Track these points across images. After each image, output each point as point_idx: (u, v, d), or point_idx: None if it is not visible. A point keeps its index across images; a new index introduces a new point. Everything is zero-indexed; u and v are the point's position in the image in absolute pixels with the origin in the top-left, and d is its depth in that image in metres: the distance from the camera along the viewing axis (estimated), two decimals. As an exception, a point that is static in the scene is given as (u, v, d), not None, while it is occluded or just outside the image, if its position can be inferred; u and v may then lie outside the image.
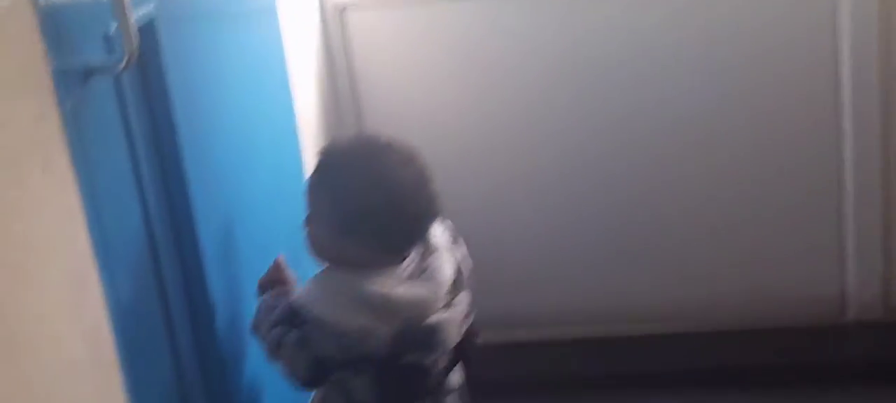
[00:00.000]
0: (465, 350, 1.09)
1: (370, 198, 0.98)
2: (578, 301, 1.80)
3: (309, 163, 1.37)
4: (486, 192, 1.77)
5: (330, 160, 1.07)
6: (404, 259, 1.03)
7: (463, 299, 1.06)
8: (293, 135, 1.55)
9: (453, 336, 1.03)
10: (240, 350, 1.23)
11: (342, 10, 1.73)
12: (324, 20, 1.74)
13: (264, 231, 1.30)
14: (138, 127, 0.99)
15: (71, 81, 0.81)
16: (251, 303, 1.18)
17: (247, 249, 1.23)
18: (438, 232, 1.07)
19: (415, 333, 0.99)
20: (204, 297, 1.13)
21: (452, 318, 1.02)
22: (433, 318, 1.00)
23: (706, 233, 1.72)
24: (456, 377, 1.12)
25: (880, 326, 1.71)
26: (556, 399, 1.71)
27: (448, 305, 1.03)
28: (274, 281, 1.15)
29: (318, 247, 1.07)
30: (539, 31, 1.66)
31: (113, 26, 0.85)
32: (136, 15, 0.86)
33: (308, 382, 1.07)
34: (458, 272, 1.06)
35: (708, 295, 1.75)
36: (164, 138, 1.05)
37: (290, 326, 1.02)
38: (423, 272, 1.03)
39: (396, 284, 1.00)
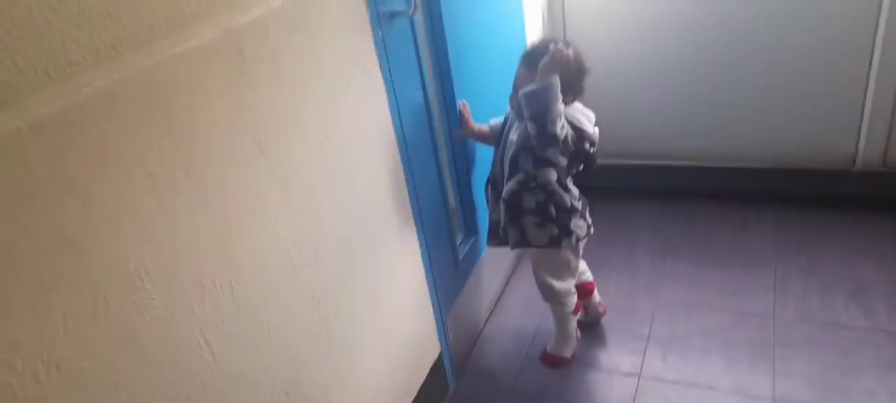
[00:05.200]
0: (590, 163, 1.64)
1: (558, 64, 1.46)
2: (672, 141, 2.40)
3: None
4: (634, 70, 2.32)
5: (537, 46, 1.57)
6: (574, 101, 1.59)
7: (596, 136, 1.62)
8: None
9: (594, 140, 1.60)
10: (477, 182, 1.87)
11: None
12: None
13: (493, 109, 1.82)
14: (423, 48, 1.54)
15: (382, 20, 1.34)
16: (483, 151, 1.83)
17: (482, 120, 1.79)
18: (590, 114, 1.63)
19: (582, 133, 1.56)
20: (462, 148, 1.78)
21: (596, 134, 1.61)
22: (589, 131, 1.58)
23: (768, 93, 2.19)
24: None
25: (881, 174, 2.19)
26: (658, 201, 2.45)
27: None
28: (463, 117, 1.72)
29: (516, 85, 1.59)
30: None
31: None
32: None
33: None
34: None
35: (760, 140, 2.27)
36: (440, 54, 1.62)
37: None
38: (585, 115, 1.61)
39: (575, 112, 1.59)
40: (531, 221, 1.61)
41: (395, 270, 1.49)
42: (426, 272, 1.62)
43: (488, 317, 2.04)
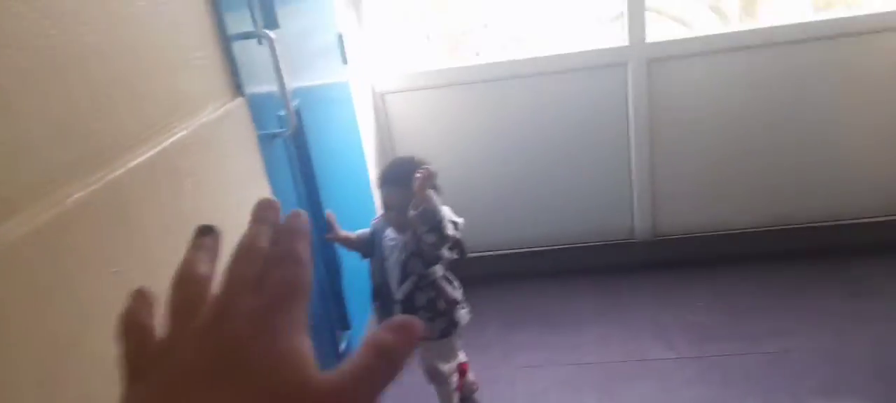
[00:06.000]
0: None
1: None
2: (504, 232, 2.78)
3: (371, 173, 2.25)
4: (475, 188, 2.67)
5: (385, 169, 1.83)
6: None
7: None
8: (363, 160, 2.42)
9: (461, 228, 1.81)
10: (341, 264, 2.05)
11: (383, 95, 2.62)
12: (374, 99, 2.62)
13: (348, 208, 2.05)
14: (295, 160, 1.75)
15: (264, 140, 1.54)
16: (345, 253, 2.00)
17: (341, 215, 1.99)
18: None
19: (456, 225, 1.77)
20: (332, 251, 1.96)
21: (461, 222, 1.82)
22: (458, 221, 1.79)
23: (560, 186, 2.71)
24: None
25: (651, 242, 2.75)
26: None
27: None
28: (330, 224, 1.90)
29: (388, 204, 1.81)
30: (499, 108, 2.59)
31: (283, 111, 1.60)
32: (293, 105, 1.62)
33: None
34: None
35: (561, 224, 2.75)
36: (305, 166, 1.83)
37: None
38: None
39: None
40: (424, 317, 1.79)
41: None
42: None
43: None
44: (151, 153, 1.06)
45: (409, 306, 1.80)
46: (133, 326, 0.33)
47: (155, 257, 1.03)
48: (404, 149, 2.62)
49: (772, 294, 2.44)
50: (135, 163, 1.01)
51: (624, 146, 2.64)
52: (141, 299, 0.35)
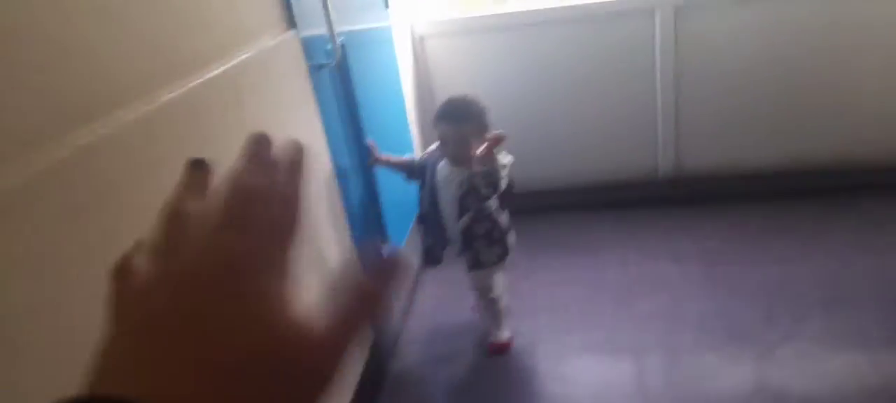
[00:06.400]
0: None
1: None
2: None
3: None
4: (507, 129, 2.88)
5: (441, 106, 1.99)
6: None
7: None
8: (402, 99, 2.64)
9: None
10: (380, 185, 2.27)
11: (422, 38, 2.82)
12: (413, 43, 2.81)
13: (388, 140, 2.31)
14: (340, 89, 1.97)
15: (314, 70, 1.77)
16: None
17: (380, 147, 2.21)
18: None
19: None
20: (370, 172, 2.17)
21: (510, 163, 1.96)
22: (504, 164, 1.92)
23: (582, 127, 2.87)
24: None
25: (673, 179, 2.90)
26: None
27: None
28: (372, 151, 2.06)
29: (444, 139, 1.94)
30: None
31: (329, 46, 1.83)
32: (338, 41, 1.85)
33: None
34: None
35: (580, 163, 2.92)
36: (349, 97, 2.04)
37: None
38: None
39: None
40: (482, 244, 2.00)
41: (332, 261, 1.87)
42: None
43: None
44: (220, 70, 1.31)
45: (468, 236, 2.00)
46: (121, 270, 0.31)
47: (220, 160, 1.29)
48: (440, 91, 2.84)
49: (783, 226, 2.59)
50: (209, 76, 1.26)
51: (650, 90, 2.78)
52: (137, 246, 0.32)
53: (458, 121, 1.92)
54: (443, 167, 2.01)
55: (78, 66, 0.95)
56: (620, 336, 2.12)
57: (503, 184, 1.91)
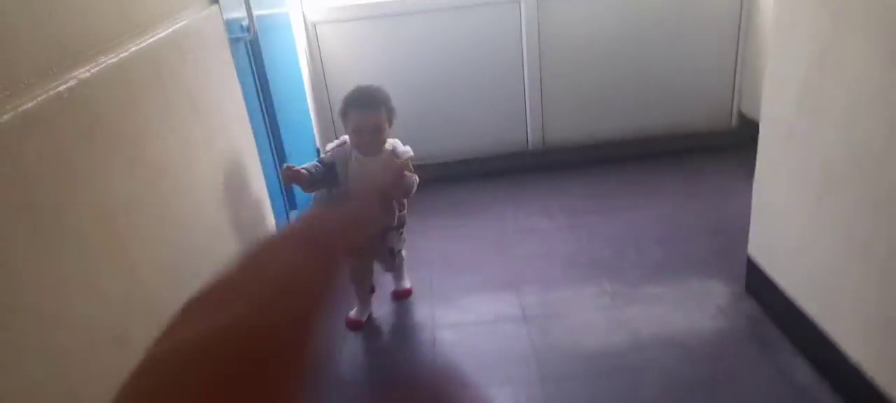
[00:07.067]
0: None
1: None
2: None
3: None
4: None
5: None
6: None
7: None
8: (301, 81, 2.95)
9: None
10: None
11: (315, 24, 3.04)
12: (306, 29, 3.03)
13: (291, 118, 2.55)
14: (253, 63, 2.17)
15: (233, 42, 1.97)
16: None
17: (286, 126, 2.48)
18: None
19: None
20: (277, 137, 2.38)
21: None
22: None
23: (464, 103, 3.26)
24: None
25: (542, 150, 3.32)
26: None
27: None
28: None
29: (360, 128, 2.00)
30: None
31: (246, 22, 2.03)
32: (254, 17, 2.06)
33: None
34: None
35: (468, 138, 3.30)
36: (260, 73, 2.25)
37: None
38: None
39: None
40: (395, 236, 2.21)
41: (255, 210, 2.07)
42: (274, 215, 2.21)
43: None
44: (165, 33, 1.49)
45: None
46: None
47: (168, 108, 1.48)
48: (332, 73, 3.09)
49: (630, 182, 3.10)
50: (154, 38, 1.45)
51: (519, 73, 3.19)
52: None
53: (371, 107, 1.95)
54: (355, 161, 2.02)
55: None
56: (503, 276, 2.48)
57: (415, 184, 1.99)
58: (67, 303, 0.98)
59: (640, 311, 2.19)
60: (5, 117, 0.89)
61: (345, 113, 2.01)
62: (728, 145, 3.27)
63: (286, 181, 1.99)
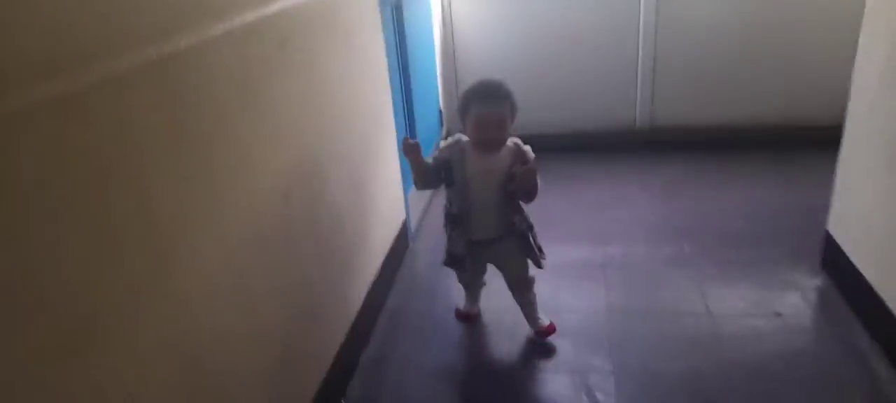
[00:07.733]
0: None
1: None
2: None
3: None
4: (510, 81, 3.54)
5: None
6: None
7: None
8: (432, 46, 3.40)
9: None
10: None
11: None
12: (442, 1, 3.46)
13: (421, 82, 2.98)
14: (395, 27, 2.62)
15: (382, 4, 2.40)
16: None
17: (416, 85, 2.91)
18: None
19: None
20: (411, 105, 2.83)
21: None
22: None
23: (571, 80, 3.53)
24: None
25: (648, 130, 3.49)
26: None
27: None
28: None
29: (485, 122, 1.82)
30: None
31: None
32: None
33: None
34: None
35: (570, 116, 3.57)
36: (401, 33, 2.69)
37: None
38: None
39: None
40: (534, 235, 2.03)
41: (385, 157, 2.50)
42: (401, 163, 2.63)
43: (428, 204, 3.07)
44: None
45: (521, 228, 1.99)
46: None
47: (321, 46, 1.92)
48: (460, 46, 3.49)
49: (729, 166, 3.28)
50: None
51: (634, 54, 3.42)
52: None
53: (496, 101, 1.80)
54: (472, 160, 1.88)
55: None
56: (592, 232, 2.77)
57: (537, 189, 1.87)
58: (252, 165, 1.43)
59: (714, 271, 2.40)
60: (235, 24, 1.34)
61: (466, 107, 1.84)
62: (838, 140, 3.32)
63: (406, 151, 1.89)
